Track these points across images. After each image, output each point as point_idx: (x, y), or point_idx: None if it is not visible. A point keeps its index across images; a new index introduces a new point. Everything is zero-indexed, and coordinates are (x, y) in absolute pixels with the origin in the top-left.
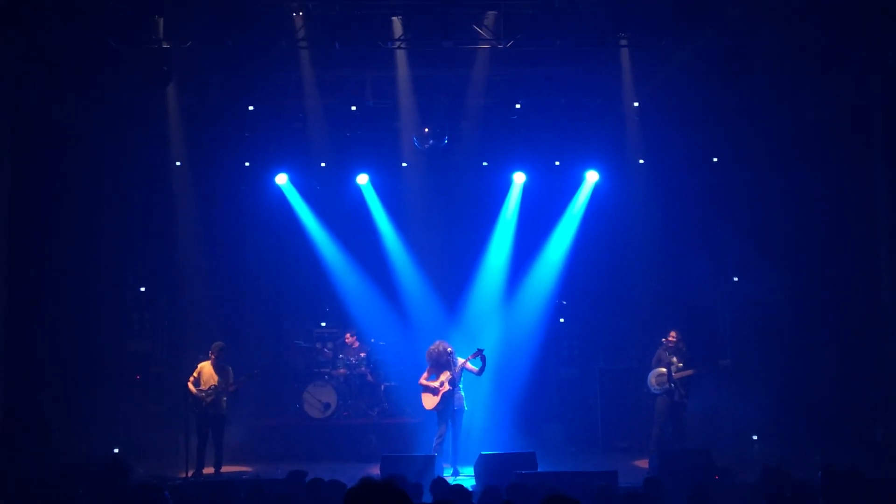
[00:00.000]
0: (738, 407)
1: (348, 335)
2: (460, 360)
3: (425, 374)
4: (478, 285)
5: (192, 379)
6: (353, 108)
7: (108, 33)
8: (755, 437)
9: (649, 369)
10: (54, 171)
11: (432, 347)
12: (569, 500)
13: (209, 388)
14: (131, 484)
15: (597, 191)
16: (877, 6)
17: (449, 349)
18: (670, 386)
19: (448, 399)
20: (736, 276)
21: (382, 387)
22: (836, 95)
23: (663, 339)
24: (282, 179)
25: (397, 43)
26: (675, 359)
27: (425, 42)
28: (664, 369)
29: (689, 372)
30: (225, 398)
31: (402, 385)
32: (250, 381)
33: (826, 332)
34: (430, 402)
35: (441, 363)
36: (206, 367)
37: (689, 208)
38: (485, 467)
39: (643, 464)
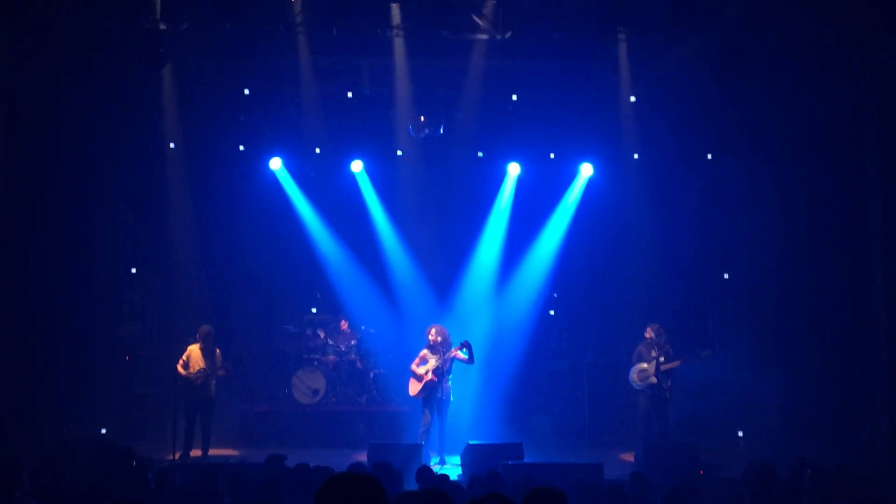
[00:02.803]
0: (723, 403)
1: (343, 322)
2: (452, 350)
3: (417, 360)
4: (469, 275)
5: (181, 362)
6: (350, 94)
7: (105, 14)
8: (741, 434)
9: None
10: (48, 152)
11: (426, 331)
12: (554, 493)
13: (198, 372)
14: (124, 467)
15: (591, 184)
16: (873, 8)
17: (438, 336)
18: (655, 380)
19: (431, 389)
20: (726, 273)
21: (371, 374)
22: (833, 94)
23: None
24: (276, 164)
25: (395, 31)
26: (654, 352)
27: (423, 30)
28: (646, 364)
29: (675, 363)
30: (214, 382)
31: (391, 373)
32: (239, 365)
33: (814, 330)
34: (413, 388)
35: (431, 347)
36: (194, 351)
37: (682, 204)
38: (471, 457)
39: (629, 457)
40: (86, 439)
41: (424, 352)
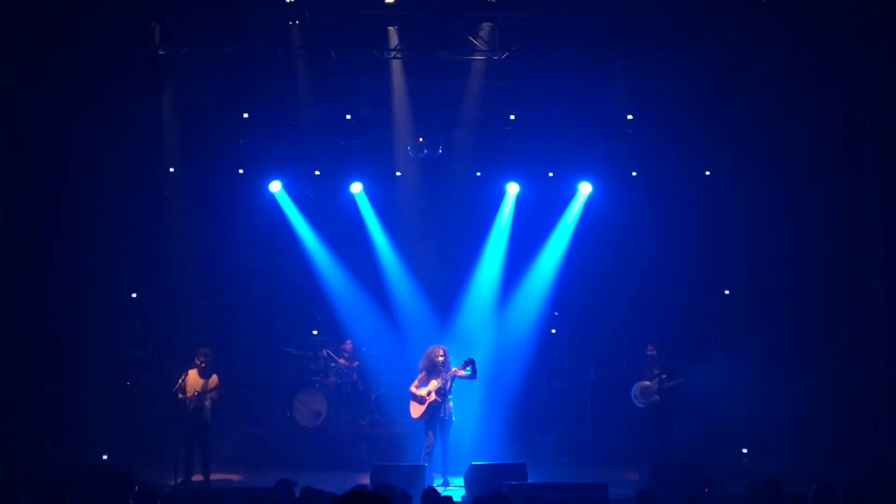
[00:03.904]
0: (728, 420)
1: (348, 342)
2: (453, 369)
3: (416, 382)
4: (470, 295)
5: (178, 386)
6: (348, 116)
7: (105, 40)
8: (745, 451)
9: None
10: (48, 176)
11: (426, 352)
12: None
13: (193, 395)
14: (125, 492)
15: (590, 202)
16: (871, 21)
17: (440, 357)
18: (658, 398)
19: (434, 409)
20: (727, 290)
21: (373, 396)
22: (830, 109)
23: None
24: (275, 187)
25: (393, 52)
26: (656, 370)
27: (421, 52)
28: (648, 382)
29: (678, 381)
30: (209, 405)
31: (392, 394)
32: (234, 385)
33: (819, 345)
34: (416, 410)
35: (431, 369)
36: (192, 374)
37: (681, 221)
38: (475, 478)
39: (633, 475)
40: (87, 466)
41: (423, 373)
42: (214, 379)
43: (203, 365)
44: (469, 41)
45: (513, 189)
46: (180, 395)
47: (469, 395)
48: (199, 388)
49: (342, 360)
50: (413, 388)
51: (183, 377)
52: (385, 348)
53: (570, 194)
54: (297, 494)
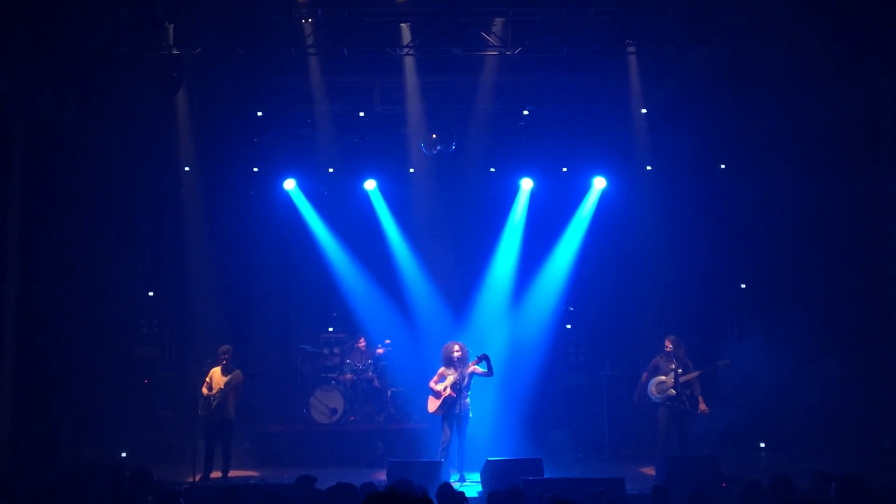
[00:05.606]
0: (745, 414)
1: (361, 340)
2: (469, 365)
3: (435, 377)
4: (485, 291)
5: (205, 384)
6: (362, 113)
7: (119, 40)
8: (763, 445)
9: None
10: (64, 176)
11: (443, 348)
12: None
13: (216, 392)
14: (145, 490)
15: (604, 197)
16: (886, 17)
17: (457, 353)
18: (674, 393)
19: (450, 405)
20: (743, 283)
21: (389, 392)
22: (845, 104)
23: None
24: (290, 185)
25: (406, 49)
26: (673, 364)
27: (434, 48)
28: (664, 377)
29: (695, 374)
30: (233, 403)
31: (408, 390)
32: (252, 382)
33: (834, 339)
34: (432, 405)
35: (449, 364)
36: (216, 372)
37: (696, 215)
38: (491, 473)
39: (650, 471)
40: (105, 463)
41: (442, 369)
42: (238, 374)
43: (226, 362)
44: (482, 37)
45: (527, 185)
46: (207, 392)
47: (485, 390)
48: (222, 385)
49: (347, 359)
50: (432, 384)
51: (209, 376)
52: (400, 345)
53: (584, 189)
54: (324, 489)
